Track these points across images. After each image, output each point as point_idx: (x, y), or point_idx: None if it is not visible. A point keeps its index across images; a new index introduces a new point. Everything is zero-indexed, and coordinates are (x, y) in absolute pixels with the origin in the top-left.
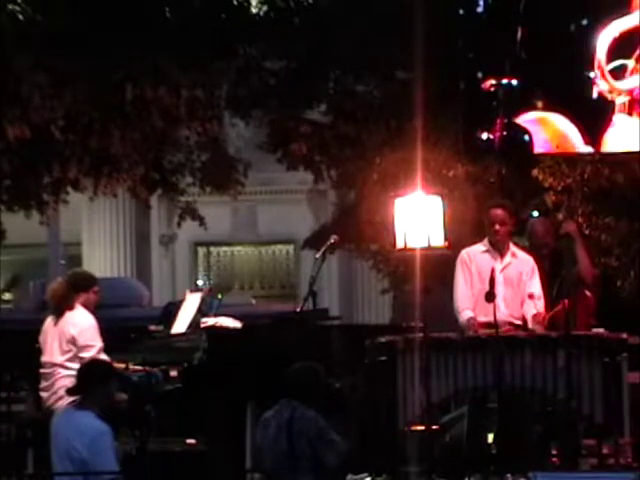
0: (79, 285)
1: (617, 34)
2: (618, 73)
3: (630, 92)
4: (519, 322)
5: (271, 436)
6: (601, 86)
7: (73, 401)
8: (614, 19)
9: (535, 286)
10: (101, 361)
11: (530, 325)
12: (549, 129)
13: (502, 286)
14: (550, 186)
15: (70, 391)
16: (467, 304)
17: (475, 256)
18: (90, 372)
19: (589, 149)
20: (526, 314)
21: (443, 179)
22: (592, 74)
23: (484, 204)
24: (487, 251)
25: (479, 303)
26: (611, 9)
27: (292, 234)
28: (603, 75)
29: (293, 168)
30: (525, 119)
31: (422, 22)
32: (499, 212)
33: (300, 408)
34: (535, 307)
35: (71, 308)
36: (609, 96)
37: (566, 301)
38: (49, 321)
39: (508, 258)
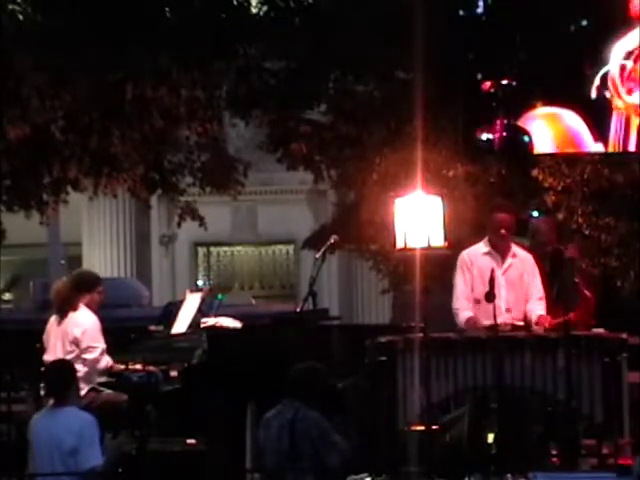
0: (83, 285)
1: (631, 48)
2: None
3: None
4: (521, 323)
5: (273, 436)
6: (616, 103)
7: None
8: (614, 23)
9: (538, 286)
10: (61, 361)
11: (533, 326)
12: (555, 128)
13: (504, 289)
14: (550, 186)
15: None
16: (465, 305)
17: (476, 258)
18: (62, 373)
19: (599, 147)
20: (531, 313)
21: (443, 179)
22: (607, 94)
23: (484, 204)
24: (488, 253)
25: (482, 306)
26: (611, 9)
27: (292, 234)
28: (618, 93)
29: (293, 168)
30: (534, 115)
31: (422, 22)
32: (505, 217)
33: (303, 409)
34: (542, 307)
35: (75, 308)
36: (624, 112)
37: (571, 314)
38: (52, 321)
39: (509, 259)
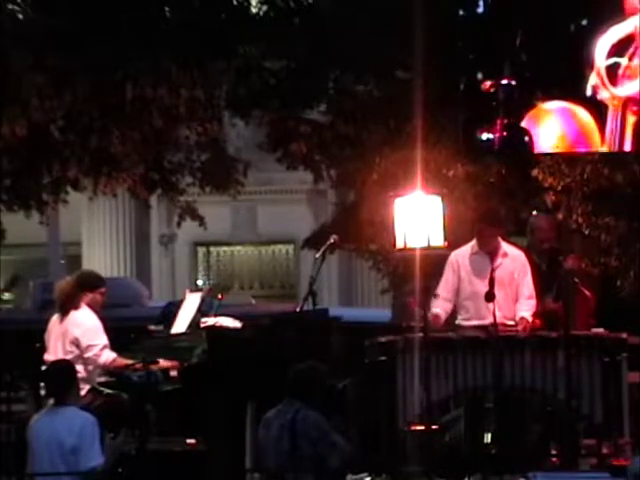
0: (86, 284)
1: (615, 41)
2: (612, 71)
3: (630, 98)
4: (512, 322)
5: (274, 436)
6: (602, 94)
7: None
8: (611, 22)
9: (528, 285)
10: (62, 361)
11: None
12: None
13: (494, 288)
14: (550, 186)
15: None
16: (437, 304)
17: (464, 260)
18: (62, 373)
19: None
20: (516, 313)
21: (443, 179)
22: (593, 81)
23: (484, 204)
24: (477, 253)
25: (472, 305)
26: (610, 9)
27: (292, 234)
28: (603, 83)
29: (293, 168)
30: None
31: (422, 22)
32: (484, 228)
33: (303, 409)
34: (528, 308)
35: (76, 307)
36: (610, 103)
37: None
38: (54, 319)
39: (499, 259)
